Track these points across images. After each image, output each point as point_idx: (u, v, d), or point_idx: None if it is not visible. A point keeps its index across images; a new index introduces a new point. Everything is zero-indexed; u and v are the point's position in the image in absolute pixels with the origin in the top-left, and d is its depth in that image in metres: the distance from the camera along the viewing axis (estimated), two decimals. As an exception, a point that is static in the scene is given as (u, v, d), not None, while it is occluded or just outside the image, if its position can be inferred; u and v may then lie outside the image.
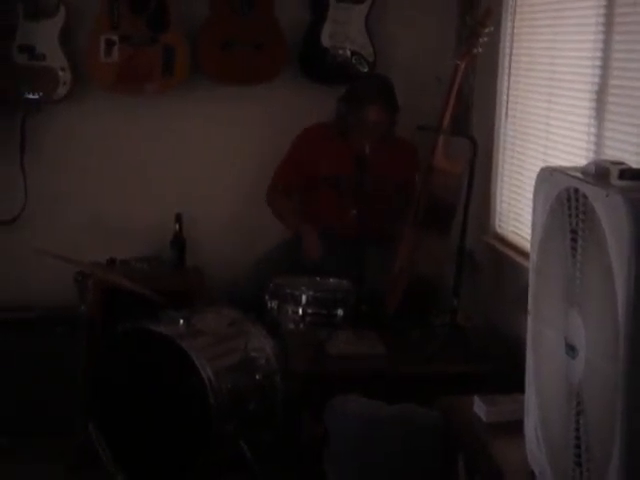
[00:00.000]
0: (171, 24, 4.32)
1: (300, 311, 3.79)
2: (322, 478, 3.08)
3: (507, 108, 4.05)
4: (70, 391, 3.83)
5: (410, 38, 4.54)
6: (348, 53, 4.46)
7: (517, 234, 3.90)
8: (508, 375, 2.66)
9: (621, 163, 1.97)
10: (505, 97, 4.06)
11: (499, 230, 4.11)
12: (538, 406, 2.16)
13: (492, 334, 3.72)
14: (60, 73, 4.27)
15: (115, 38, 4.30)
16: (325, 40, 4.45)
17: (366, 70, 4.45)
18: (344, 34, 4.45)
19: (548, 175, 2.11)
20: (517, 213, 3.94)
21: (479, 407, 2.65)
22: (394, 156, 4.16)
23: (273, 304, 3.85)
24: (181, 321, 3.52)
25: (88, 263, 4.03)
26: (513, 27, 4.02)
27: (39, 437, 3.77)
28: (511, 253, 3.85)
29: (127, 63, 4.32)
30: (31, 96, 4.25)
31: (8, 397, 3.88)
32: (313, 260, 4.08)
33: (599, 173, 1.96)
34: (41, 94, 4.26)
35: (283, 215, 4.34)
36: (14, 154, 4.35)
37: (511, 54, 4.03)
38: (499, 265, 3.96)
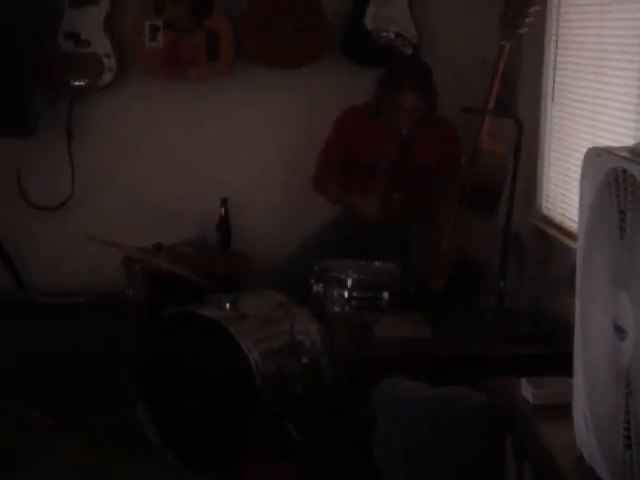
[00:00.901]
0: (215, 9, 4.32)
1: (346, 294, 3.79)
2: (369, 461, 3.08)
3: (553, 88, 4.01)
4: (118, 374, 3.87)
5: (454, 19, 4.51)
6: (392, 35, 4.43)
7: (564, 215, 3.87)
8: (556, 357, 2.64)
9: (670, 143, 1.94)
10: (551, 77, 4.02)
11: (546, 212, 4.08)
12: (586, 388, 2.14)
13: (539, 316, 3.69)
14: (105, 59, 4.30)
15: (159, 24, 4.31)
16: (368, 22, 4.43)
17: (410, 52, 4.42)
18: (387, 16, 4.42)
19: (595, 156, 2.09)
20: (564, 194, 3.90)
21: (526, 389, 2.64)
22: (434, 137, 4.13)
23: (319, 287, 3.85)
24: (227, 305, 3.54)
25: (135, 248, 4.07)
26: (559, 6, 3.97)
27: (88, 419, 3.81)
28: (558, 235, 3.82)
29: (171, 49, 4.34)
30: (77, 83, 4.29)
31: (58, 380, 3.92)
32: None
33: (647, 153, 1.94)
34: (87, 81, 4.30)
35: (334, 195, 4.30)
36: (61, 140, 4.40)
37: (557, 33, 3.99)
38: (546, 247, 3.93)
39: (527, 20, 3.77)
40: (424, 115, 4.10)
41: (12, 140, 4.25)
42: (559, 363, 2.47)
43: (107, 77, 4.33)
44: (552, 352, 3.14)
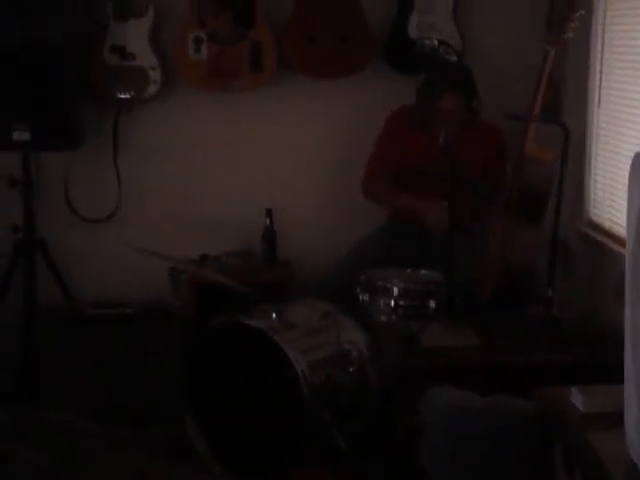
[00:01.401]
0: (257, 20, 4.34)
1: (392, 303, 3.78)
2: (416, 470, 3.06)
3: (600, 93, 3.98)
4: (166, 384, 3.89)
5: (498, 25, 4.48)
6: (435, 43, 4.41)
7: (613, 221, 3.82)
8: (606, 365, 2.60)
9: None
10: (598, 82, 3.99)
11: (594, 218, 4.04)
12: (638, 396, 2.11)
13: (589, 324, 3.65)
14: (150, 72, 4.34)
15: (203, 36, 4.34)
16: (412, 31, 4.42)
17: (454, 59, 4.40)
18: (431, 24, 4.41)
19: (644, 159, 2.06)
20: (612, 200, 3.86)
21: (576, 397, 2.61)
22: (478, 141, 4.10)
23: (365, 297, 3.84)
24: (273, 314, 3.54)
25: (181, 259, 4.08)
26: (605, 10, 3.93)
27: (137, 428, 3.83)
28: (607, 241, 3.78)
29: (215, 60, 4.36)
30: (123, 95, 4.32)
31: (106, 390, 3.95)
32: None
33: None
34: (132, 93, 4.33)
35: (391, 198, 4.25)
36: (107, 152, 4.44)
37: (603, 38, 3.95)
38: (595, 253, 3.89)
39: (572, 25, 3.74)
40: (466, 119, 4.07)
41: (59, 153, 4.29)
42: (610, 371, 2.44)
43: (152, 89, 4.36)
44: (602, 360, 3.10)
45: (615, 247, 3.63)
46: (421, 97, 4.12)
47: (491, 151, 4.14)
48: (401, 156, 4.21)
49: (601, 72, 3.98)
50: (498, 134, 4.20)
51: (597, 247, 3.86)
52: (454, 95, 4.03)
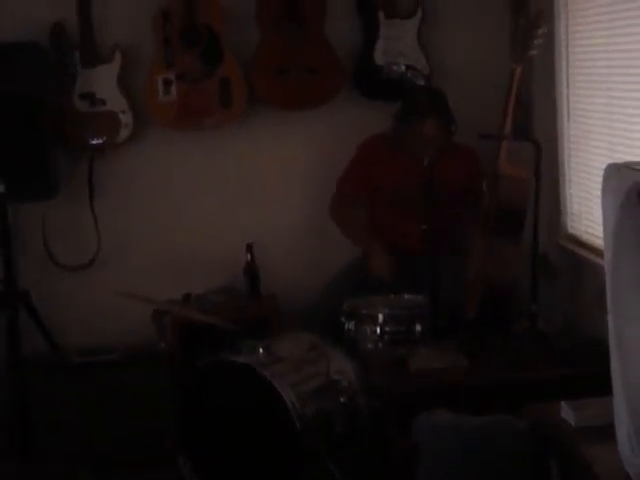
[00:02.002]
0: (225, 56, 4.36)
1: (378, 330, 3.78)
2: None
3: (568, 108, 4.02)
4: (157, 426, 3.87)
5: (463, 46, 4.51)
6: (403, 68, 4.45)
7: (590, 234, 3.85)
8: (595, 378, 2.61)
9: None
10: (565, 97, 4.03)
11: (572, 231, 4.06)
12: (628, 407, 2.12)
13: (574, 337, 3.66)
14: (121, 116, 4.35)
15: (171, 77, 4.35)
16: (378, 57, 4.45)
17: (422, 83, 4.44)
18: (397, 50, 4.45)
19: (615, 171, 2.09)
20: (588, 212, 3.89)
21: (567, 412, 2.62)
22: (455, 163, 4.12)
23: (350, 325, 3.84)
24: (261, 349, 3.54)
25: (164, 301, 4.08)
26: (567, 25, 3.98)
27: (133, 472, 3.81)
28: (586, 253, 3.80)
29: (185, 100, 4.37)
30: (95, 141, 4.33)
31: (97, 436, 3.93)
32: (381, 278, 4.07)
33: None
34: (105, 138, 4.34)
35: (348, 228, 4.32)
36: (83, 199, 4.43)
37: (567, 53, 4.00)
38: (575, 266, 3.91)
39: (536, 42, 3.78)
40: (445, 142, 4.10)
41: (36, 202, 4.29)
42: (598, 383, 2.45)
43: (124, 133, 4.37)
44: (590, 372, 3.11)
45: (594, 259, 3.65)
46: (399, 124, 4.14)
47: (470, 170, 4.17)
48: (374, 180, 4.23)
49: (568, 87, 4.02)
50: (474, 153, 4.23)
51: (577, 260, 3.88)
52: (434, 121, 4.05)
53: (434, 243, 3.81)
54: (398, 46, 4.45)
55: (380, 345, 3.78)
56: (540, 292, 3.62)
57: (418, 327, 3.78)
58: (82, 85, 4.30)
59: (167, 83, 4.36)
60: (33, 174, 4.14)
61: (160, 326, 4.18)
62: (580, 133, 3.94)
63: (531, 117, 4.30)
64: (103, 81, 4.32)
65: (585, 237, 3.91)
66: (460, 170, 4.15)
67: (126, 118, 4.35)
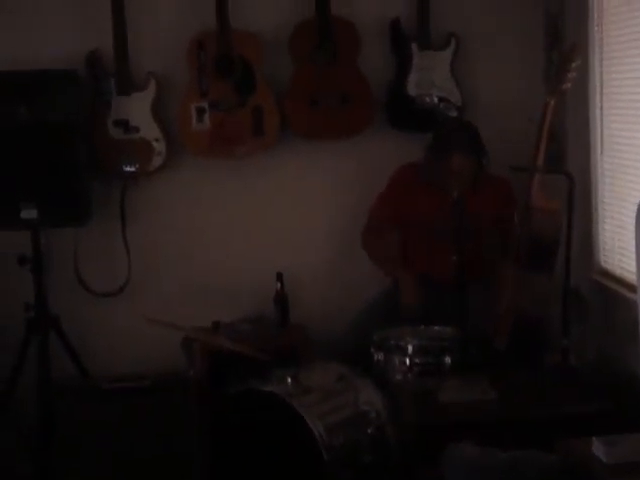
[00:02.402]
0: (258, 85, 4.39)
1: (407, 361, 3.76)
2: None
3: (602, 141, 4.00)
4: (185, 454, 3.86)
5: (497, 79, 4.52)
6: (435, 100, 4.46)
7: (623, 268, 3.82)
8: (627, 413, 2.59)
9: None
10: (599, 130, 4.01)
11: (604, 265, 4.03)
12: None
13: (606, 372, 3.63)
14: (154, 144, 4.38)
15: (205, 105, 4.38)
16: (411, 89, 4.46)
17: (455, 115, 4.44)
18: (430, 81, 4.46)
19: (651, 206, 2.07)
20: (622, 247, 3.86)
21: (598, 448, 2.59)
22: (489, 195, 4.12)
23: (379, 356, 3.83)
24: (289, 379, 3.52)
25: (193, 328, 4.08)
26: (601, 59, 3.97)
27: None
28: (619, 288, 3.77)
29: (218, 128, 4.40)
30: (128, 168, 4.36)
31: (124, 462, 3.92)
32: (410, 308, 4.05)
33: None
34: (138, 166, 4.37)
35: (379, 258, 4.32)
36: (116, 225, 4.45)
37: (602, 86, 3.98)
38: (608, 301, 3.88)
39: (570, 75, 3.78)
40: (476, 176, 4.08)
41: (68, 228, 4.32)
42: (631, 419, 2.42)
43: (157, 161, 4.40)
44: (622, 408, 3.08)
45: (627, 294, 3.62)
46: (431, 157, 4.14)
47: (503, 202, 4.15)
48: (407, 212, 4.23)
49: (602, 120, 4.00)
50: (508, 185, 4.21)
51: (609, 294, 3.85)
52: (464, 155, 4.05)
53: (465, 275, 3.79)
54: (431, 77, 4.46)
55: (409, 376, 3.77)
56: (572, 326, 3.59)
57: (447, 359, 3.76)
58: (116, 112, 4.34)
59: (200, 111, 4.38)
60: (66, 200, 4.17)
61: (189, 353, 4.18)
62: (614, 167, 3.92)
63: (564, 150, 4.29)
64: (137, 109, 4.36)
65: (618, 272, 3.88)
66: (493, 202, 4.13)
67: (159, 146, 4.38)
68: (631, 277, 3.64)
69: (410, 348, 3.77)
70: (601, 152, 4.01)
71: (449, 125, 4.29)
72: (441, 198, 4.04)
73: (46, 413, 4.08)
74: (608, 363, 3.72)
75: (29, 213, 4.07)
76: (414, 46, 4.44)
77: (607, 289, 3.88)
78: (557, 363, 3.59)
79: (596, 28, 3.99)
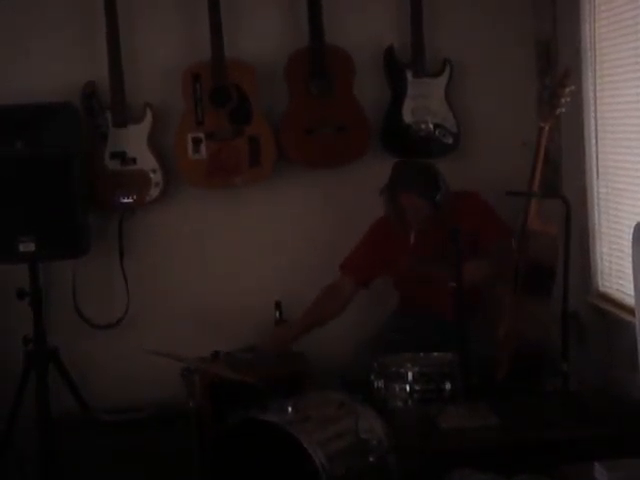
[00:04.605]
0: (254, 115, 4.40)
1: (407, 388, 3.75)
2: None
3: (597, 165, 4.01)
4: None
5: (491, 105, 4.54)
6: (431, 127, 4.47)
7: (622, 291, 3.82)
8: (628, 438, 2.58)
9: None
10: (594, 153, 4.03)
11: (602, 289, 4.04)
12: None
13: (606, 396, 3.62)
14: (151, 175, 4.39)
15: (201, 135, 4.40)
16: (407, 116, 4.48)
17: (450, 141, 4.46)
18: (425, 108, 4.47)
19: (647, 230, 2.07)
20: (620, 270, 3.86)
21: (600, 474, 2.58)
22: (459, 215, 4.09)
23: (379, 383, 3.81)
24: (289, 408, 3.51)
25: (192, 358, 4.07)
26: (595, 83, 3.99)
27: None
28: (617, 311, 3.77)
29: (215, 158, 4.41)
30: (126, 200, 4.36)
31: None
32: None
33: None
34: (135, 197, 4.38)
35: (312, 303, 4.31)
36: (113, 257, 4.46)
37: (596, 110, 4.00)
38: (607, 324, 3.88)
39: (563, 100, 3.79)
40: (432, 212, 4.10)
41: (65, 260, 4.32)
42: (632, 443, 2.42)
43: (154, 192, 4.41)
44: (623, 432, 3.07)
45: (626, 317, 3.62)
46: (385, 200, 4.18)
47: (475, 212, 4.15)
48: (387, 260, 4.25)
49: (597, 143, 4.02)
50: (475, 199, 4.22)
51: (608, 318, 3.85)
52: (409, 194, 4.09)
53: (464, 300, 3.78)
54: (426, 104, 4.48)
55: (410, 403, 3.76)
56: (571, 351, 3.58)
57: (448, 385, 3.75)
58: (113, 144, 4.36)
59: (197, 142, 4.40)
60: (63, 232, 4.17)
61: (189, 384, 4.15)
62: (610, 190, 3.93)
63: (560, 174, 4.30)
64: (134, 140, 4.37)
65: (616, 295, 3.88)
66: (466, 218, 4.10)
67: (156, 177, 4.39)
68: (629, 300, 3.64)
69: (410, 375, 3.76)
70: (597, 176, 4.03)
71: (397, 166, 4.28)
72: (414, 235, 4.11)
73: (46, 446, 4.07)
74: (608, 387, 3.72)
75: (27, 246, 4.07)
76: (409, 73, 4.46)
77: (606, 312, 3.88)
78: (557, 388, 3.58)
79: (589, 53, 4.02)
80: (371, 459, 3.46)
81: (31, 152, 4.14)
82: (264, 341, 4.29)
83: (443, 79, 4.47)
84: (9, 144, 4.14)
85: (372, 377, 3.83)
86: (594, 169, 4.03)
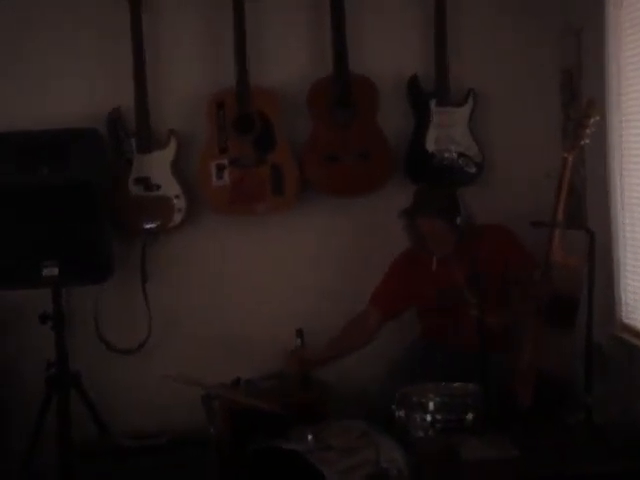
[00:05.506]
0: (277, 142, 4.41)
1: (429, 418, 3.73)
2: None
3: (622, 196, 4.00)
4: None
5: (515, 135, 4.55)
6: (454, 156, 4.48)
7: (646, 323, 3.81)
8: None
9: None
10: (619, 185, 4.01)
11: (627, 321, 4.01)
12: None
13: (631, 430, 3.59)
14: (175, 201, 4.41)
15: (225, 162, 4.41)
16: (430, 145, 4.48)
17: (474, 171, 4.46)
18: (449, 137, 4.48)
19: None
20: (644, 302, 3.85)
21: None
22: (483, 245, 4.09)
23: (401, 413, 3.79)
24: (310, 436, 3.51)
25: (214, 385, 4.07)
26: (620, 114, 3.98)
27: None
28: (641, 343, 3.75)
29: (238, 185, 4.42)
30: (149, 225, 4.38)
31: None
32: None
33: None
34: (158, 223, 4.39)
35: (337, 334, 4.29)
36: (136, 282, 4.47)
37: (621, 140, 3.99)
38: (631, 357, 3.85)
39: (588, 131, 3.78)
40: (457, 237, 4.10)
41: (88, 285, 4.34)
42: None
43: (178, 217, 4.42)
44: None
45: (651, 349, 3.61)
46: (406, 224, 4.18)
47: (502, 247, 4.14)
48: (412, 291, 4.25)
49: (621, 175, 4.00)
50: (500, 230, 4.21)
51: (632, 350, 3.82)
52: (430, 216, 4.10)
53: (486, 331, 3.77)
54: (450, 133, 4.48)
55: (431, 433, 3.73)
56: (596, 383, 3.56)
57: (470, 416, 3.73)
58: (137, 170, 4.38)
59: (220, 168, 4.41)
60: (87, 258, 4.19)
61: (210, 410, 4.16)
62: (634, 221, 3.91)
63: (584, 205, 4.28)
64: (158, 166, 4.39)
65: (640, 327, 3.86)
66: (490, 250, 4.09)
67: (180, 203, 4.41)
68: (654, 333, 3.63)
69: (432, 405, 3.74)
70: (622, 207, 4.01)
71: (418, 190, 4.28)
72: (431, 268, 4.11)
73: (66, 470, 4.06)
74: (632, 421, 3.69)
75: (51, 271, 4.09)
76: (432, 102, 4.47)
77: (630, 345, 3.85)
78: (580, 421, 3.56)
79: (614, 83, 4.01)
80: (391, 489, 3.45)
81: (56, 178, 4.16)
82: (288, 361, 4.25)
83: (467, 108, 4.48)
84: (34, 170, 4.17)
85: (393, 407, 3.82)
86: (619, 200, 4.02)
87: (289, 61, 4.52)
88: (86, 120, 4.34)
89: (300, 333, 4.36)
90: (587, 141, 3.82)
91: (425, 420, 3.74)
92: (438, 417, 3.73)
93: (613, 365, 3.96)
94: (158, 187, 4.39)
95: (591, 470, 3.29)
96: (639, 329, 3.86)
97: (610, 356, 3.97)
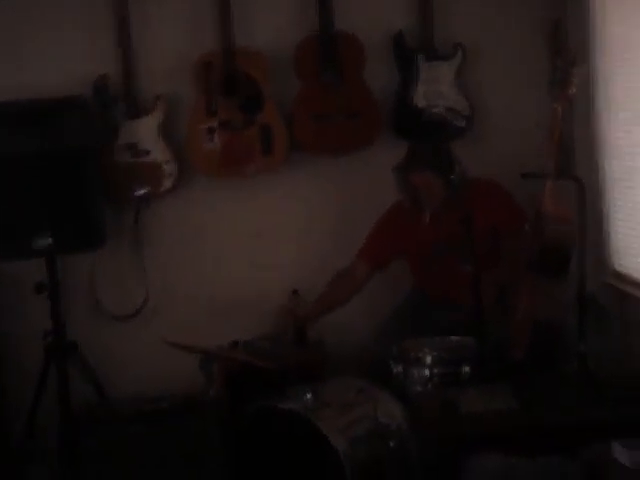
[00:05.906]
0: (265, 103, 4.40)
1: (427, 372, 3.76)
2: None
3: (610, 145, 4.00)
4: (207, 475, 3.86)
5: (504, 87, 4.53)
6: (443, 110, 4.47)
7: (638, 270, 3.81)
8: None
9: None
10: (607, 134, 4.01)
11: (619, 268, 4.03)
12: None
13: (625, 377, 3.62)
14: (165, 166, 4.40)
15: (214, 125, 4.40)
16: (418, 100, 4.47)
17: (463, 124, 4.45)
18: (437, 92, 4.46)
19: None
20: (635, 249, 3.86)
21: (620, 452, 2.58)
22: (475, 202, 4.09)
23: (398, 368, 3.82)
24: (308, 395, 3.53)
25: (212, 348, 4.09)
26: (605, 61, 3.97)
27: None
28: (634, 290, 3.77)
29: (228, 147, 4.41)
30: (140, 191, 4.37)
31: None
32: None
33: None
34: (149, 189, 4.38)
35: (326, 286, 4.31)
36: (130, 248, 4.48)
37: (607, 89, 3.99)
38: (624, 304, 3.87)
39: (575, 80, 3.77)
40: (449, 191, 4.10)
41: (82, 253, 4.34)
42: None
43: (168, 182, 4.42)
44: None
45: (643, 296, 3.63)
46: (398, 179, 4.17)
47: (493, 201, 4.14)
48: (401, 243, 4.25)
49: (609, 124, 4.00)
50: (492, 186, 4.20)
51: (625, 297, 3.84)
52: (423, 172, 4.08)
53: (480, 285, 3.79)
54: (438, 88, 4.47)
55: (429, 387, 3.76)
56: (589, 332, 3.58)
57: (467, 369, 3.75)
58: (126, 136, 4.37)
59: (210, 131, 4.40)
60: (80, 226, 4.19)
61: (208, 374, 4.18)
62: (623, 169, 3.92)
63: (573, 155, 4.29)
64: (146, 132, 4.38)
65: (633, 274, 3.87)
66: (482, 204, 4.09)
67: (169, 168, 4.40)
68: (646, 279, 3.65)
69: (429, 359, 3.76)
70: (610, 154, 4.01)
71: (411, 146, 4.26)
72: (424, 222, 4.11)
73: (67, 438, 4.08)
74: (626, 366, 3.72)
75: (44, 241, 4.09)
76: (420, 58, 4.45)
77: (622, 292, 3.88)
78: (575, 369, 3.58)
79: (599, 31, 4.00)
80: (391, 444, 3.48)
81: (44, 146, 4.14)
82: (282, 317, 4.28)
83: (454, 63, 4.45)
84: (22, 139, 4.15)
85: (391, 362, 3.84)
86: (607, 149, 4.02)
87: (275, 20, 4.49)
88: (73, 88, 4.30)
89: (295, 294, 4.37)
90: (574, 91, 3.81)
91: (423, 374, 3.76)
92: (435, 371, 3.75)
93: (606, 313, 3.98)
94: (147, 153, 4.38)
95: (586, 418, 3.31)
96: (631, 276, 3.88)
97: (603, 304, 3.99)
